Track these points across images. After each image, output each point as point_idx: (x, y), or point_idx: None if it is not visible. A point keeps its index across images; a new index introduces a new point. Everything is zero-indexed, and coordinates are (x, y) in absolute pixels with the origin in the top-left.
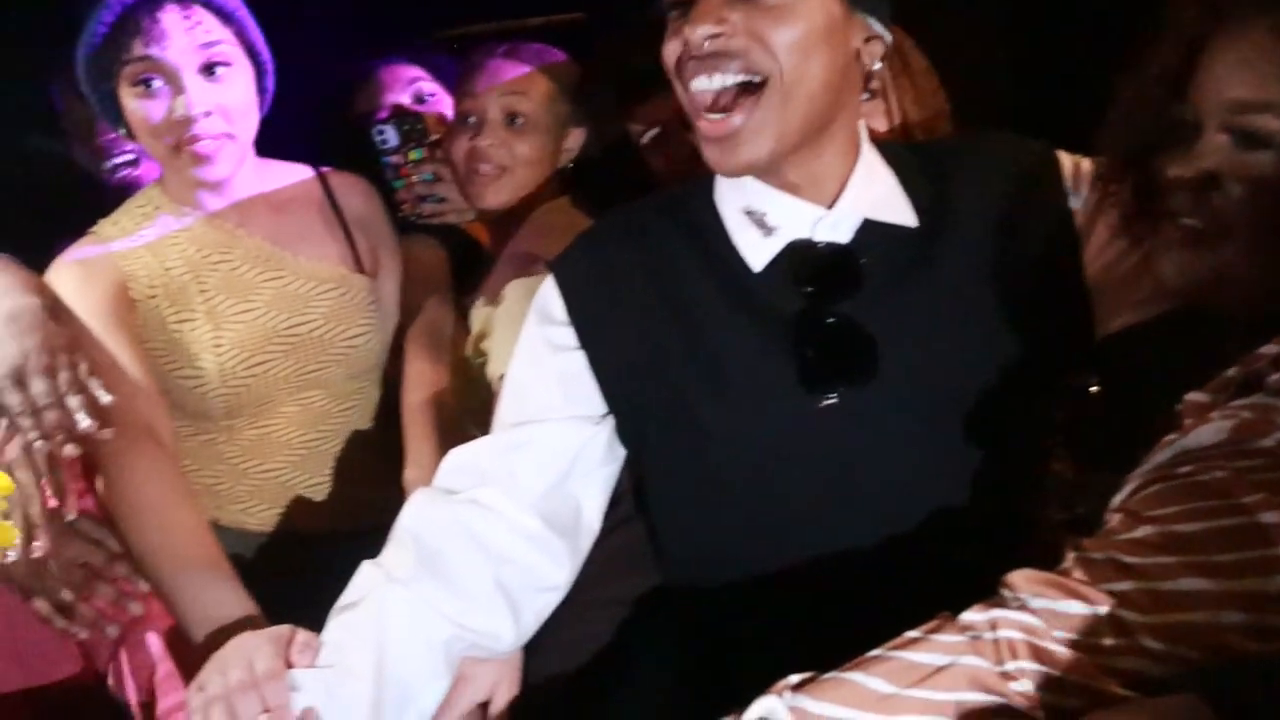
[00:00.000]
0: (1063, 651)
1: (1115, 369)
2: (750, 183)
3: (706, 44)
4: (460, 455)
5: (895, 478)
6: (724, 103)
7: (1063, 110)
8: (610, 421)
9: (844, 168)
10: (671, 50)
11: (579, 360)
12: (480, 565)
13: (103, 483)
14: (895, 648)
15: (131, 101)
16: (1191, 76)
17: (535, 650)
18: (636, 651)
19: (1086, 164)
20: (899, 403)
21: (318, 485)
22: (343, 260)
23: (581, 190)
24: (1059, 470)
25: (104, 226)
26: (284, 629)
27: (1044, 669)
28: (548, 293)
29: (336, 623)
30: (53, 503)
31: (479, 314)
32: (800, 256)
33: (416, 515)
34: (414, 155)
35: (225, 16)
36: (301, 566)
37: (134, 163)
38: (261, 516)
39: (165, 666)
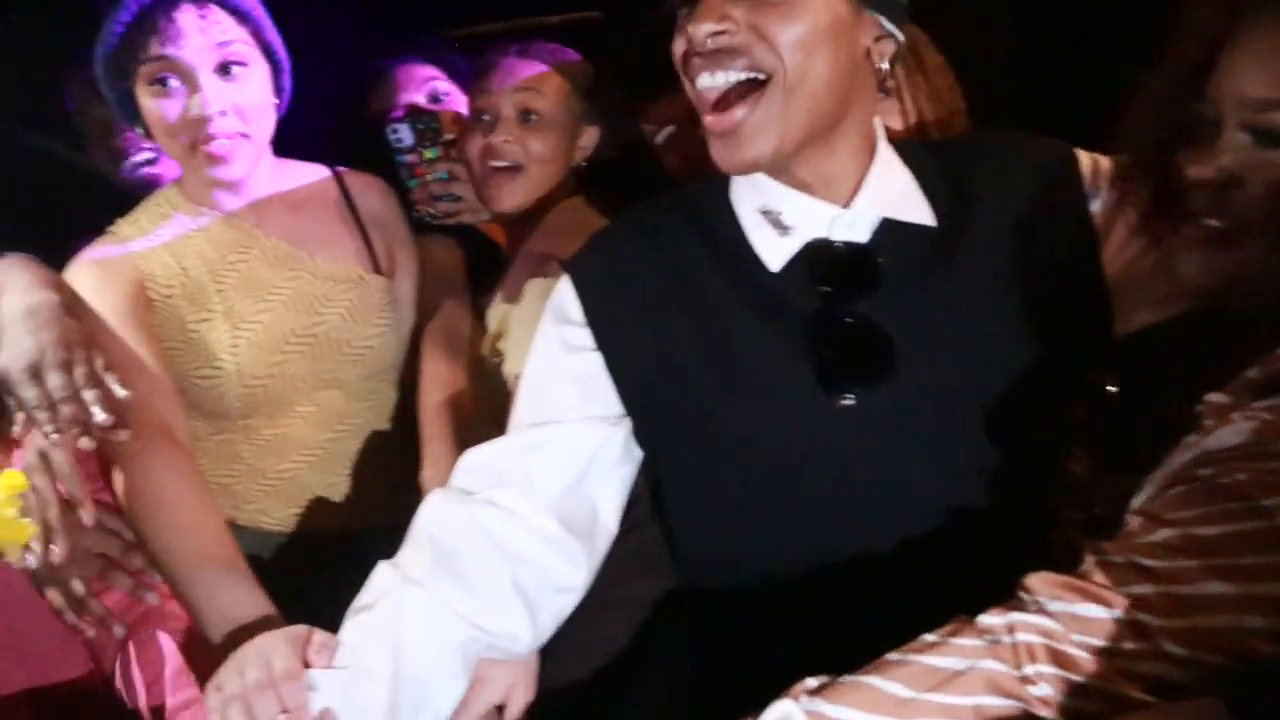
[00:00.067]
0: (1082, 656)
1: (1133, 369)
2: (766, 182)
3: (709, 41)
4: (477, 456)
5: (912, 478)
6: (729, 99)
7: (1080, 108)
8: (627, 422)
9: (859, 167)
10: (678, 47)
11: (595, 361)
12: (497, 566)
13: (120, 482)
14: (912, 651)
15: (148, 100)
16: (1211, 74)
17: (551, 652)
18: (652, 654)
19: (1105, 162)
20: (916, 403)
21: (334, 485)
22: (359, 260)
23: (596, 190)
24: (1076, 470)
25: (122, 226)
26: (301, 629)
27: (1063, 673)
28: (563, 293)
29: (353, 623)
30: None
31: (495, 314)
32: (817, 256)
33: (433, 516)
34: (429, 154)
35: (241, 16)
36: (318, 566)
37: (153, 161)
38: (278, 516)
39: (174, 664)
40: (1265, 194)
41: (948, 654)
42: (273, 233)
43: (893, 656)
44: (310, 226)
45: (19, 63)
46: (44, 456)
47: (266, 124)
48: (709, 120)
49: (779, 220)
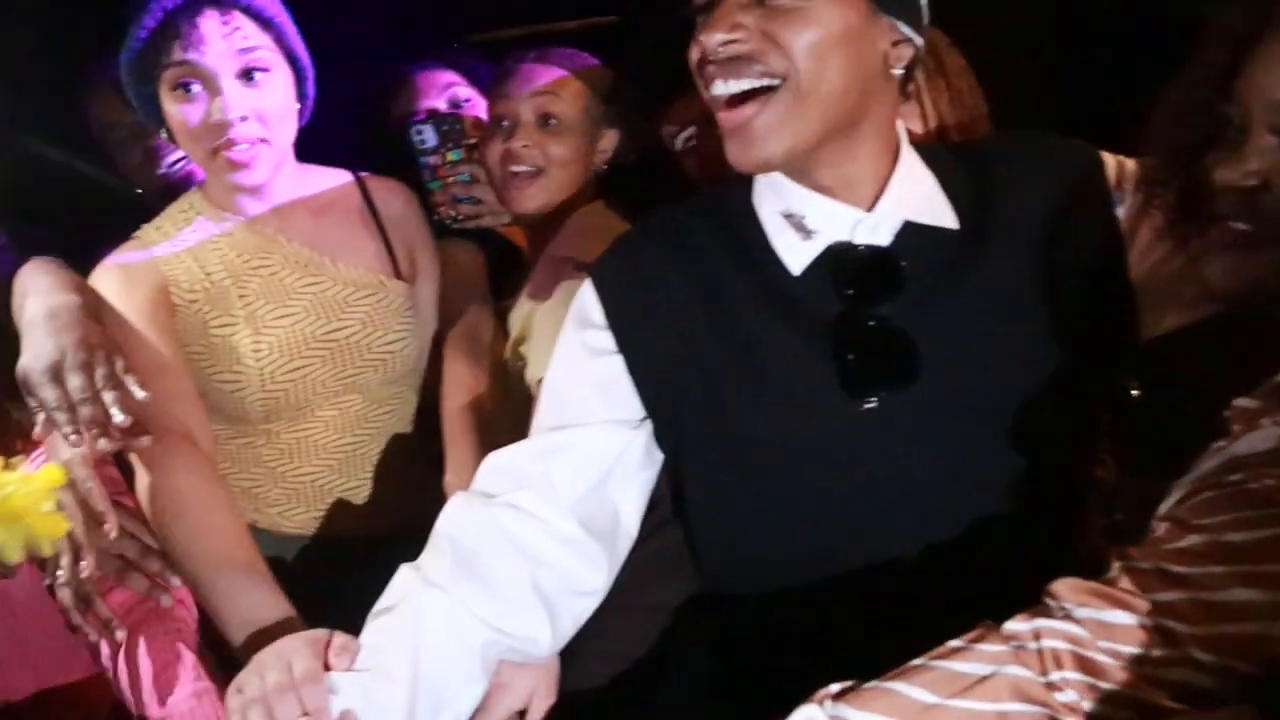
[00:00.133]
0: (1109, 662)
1: (1159, 373)
2: (788, 185)
3: (722, 49)
4: (498, 459)
5: (936, 482)
6: (742, 98)
7: (1105, 111)
8: (648, 425)
9: (881, 170)
10: (693, 55)
11: (617, 364)
12: (517, 568)
13: (141, 485)
14: (937, 657)
15: (171, 105)
16: (1238, 78)
17: (572, 657)
18: (673, 659)
19: (1131, 165)
20: (940, 406)
21: (355, 489)
22: (380, 265)
23: (617, 194)
24: (1100, 475)
25: (147, 231)
26: (321, 632)
27: (1089, 680)
28: (586, 297)
29: (374, 626)
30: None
31: (517, 318)
32: (840, 259)
33: (454, 519)
34: (452, 156)
35: (264, 22)
36: (339, 569)
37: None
38: (299, 519)
39: (184, 660)
40: None
41: (972, 659)
42: (295, 238)
43: (917, 662)
44: (332, 231)
45: (43, 70)
46: (74, 487)
47: (288, 130)
48: (722, 117)
49: (802, 224)
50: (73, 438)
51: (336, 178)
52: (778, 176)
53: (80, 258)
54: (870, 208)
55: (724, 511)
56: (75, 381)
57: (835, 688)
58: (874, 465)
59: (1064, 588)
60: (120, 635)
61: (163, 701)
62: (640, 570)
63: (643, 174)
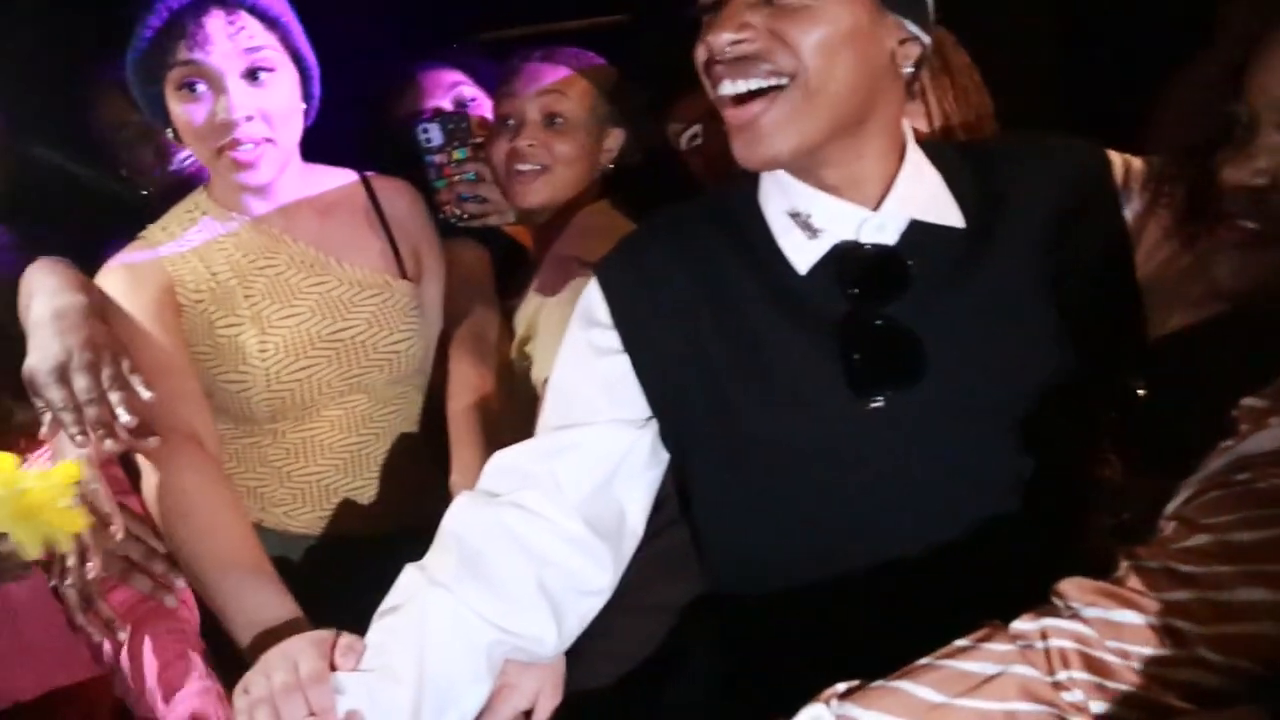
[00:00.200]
0: (1117, 662)
1: (1165, 372)
2: (794, 184)
3: (730, 49)
4: (504, 458)
5: (943, 481)
6: (750, 96)
7: (1109, 109)
8: (654, 425)
9: (888, 169)
10: (700, 55)
11: (623, 364)
12: (522, 568)
13: (147, 486)
14: (944, 656)
15: (176, 105)
16: (1247, 76)
17: (578, 657)
18: (680, 658)
19: (1138, 163)
20: (947, 405)
21: (361, 489)
22: (385, 265)
23: (623, 193)
24: (1106, 475)
25: (153, 231)
26: (327, 632)
27: (1097, 679)
28: (591, 296)
29: (379, 626)
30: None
31: (523, 317)
32: (846, 258)
33: (459, 518)
34: (457, 155)
35: (270, 22)
36: (344, 569)
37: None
38: (304, 519)
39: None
40: None
41: (980, 659)
42: (301, 238)
43: (924, 661)
44: (338, 231)
45: (48, 70)
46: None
47: (294, 130)
48: (729, 115)
49: (808, 223)
50: (79, 438)
51: (342, 177)
52: (784, 175)
53: (87, 258)
54: (876, 207)
55: (730, 511)
56: (81, 382)
57: (842, 687)
58: (880, 464)
59: (1071, 587)
60: (123, 635)
61: (168, 698)
62: (646, 570)
63: (648, 174)
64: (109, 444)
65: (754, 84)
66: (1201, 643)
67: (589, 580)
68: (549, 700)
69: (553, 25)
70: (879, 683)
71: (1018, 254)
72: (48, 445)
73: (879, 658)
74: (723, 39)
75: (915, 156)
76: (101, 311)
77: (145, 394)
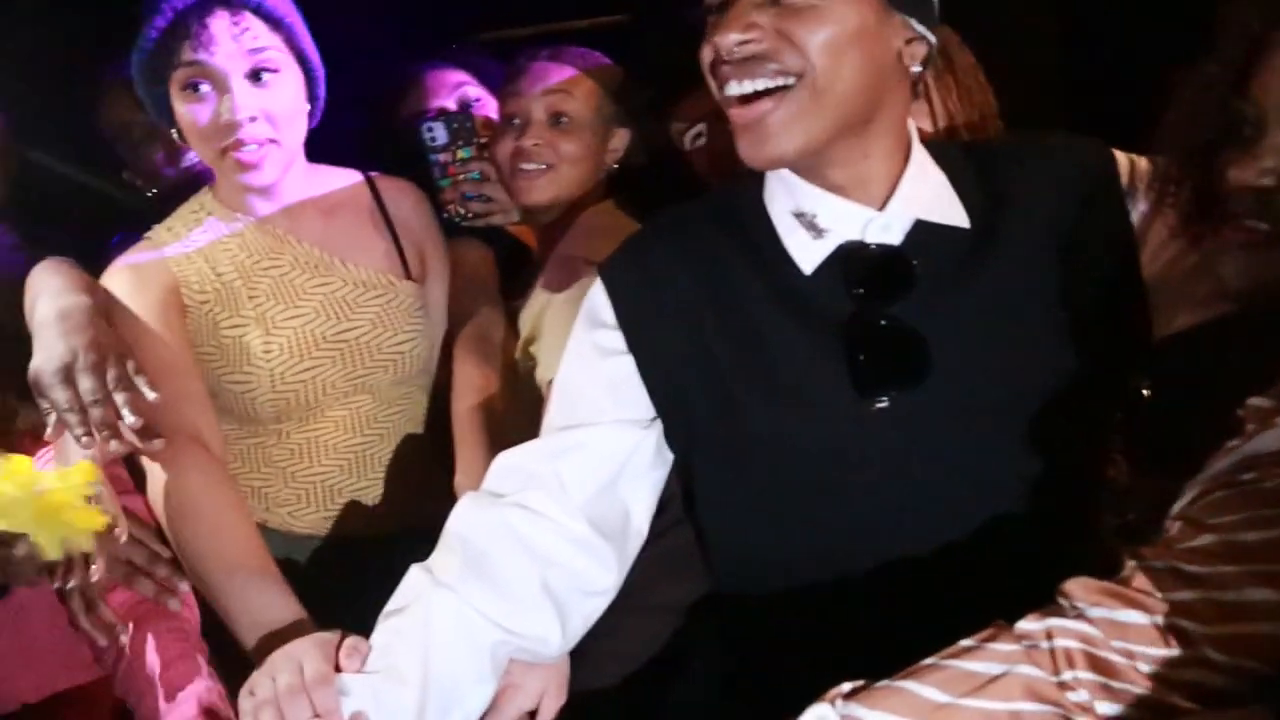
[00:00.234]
0: (1121, 662)
1: (1171, 372)
2: (799, 184)
3: (736, 50)
4: (509, 459)
5: (948, 482)
6: (756, 95)
7: (1113, 108)
8: (659, 425)
9: (893, 169)
10: (706, 55)
11: (628, 364)
12: (527, 568)
13: (152, 488)
14: (949, 656)
15: (180, 105)
16: (1253, 76)
17: (583, 658)
18: (684, 658)
19: (1143, 163)
20: (952, 406)
21: (365, 489)
22: (390, 266)
23: (627, 193)
24: (1112, 475)
25: (159, 231)
26: (332, 634)
27: (1102, 679)
28: (596, 296)
29: (384, 627)
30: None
31: (527, 318)
32: (851, 258)
33: (464, 519)
34: (462, 154)
35: (275, 23)
36: (349, 569)
37: None
38: (309, 519)
39: (196, 654)
40: None
41: (984, 659)
42: (305, 238)
43: (929, 661)
44: (342, 232)
45: (55, 71)
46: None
47: (298, 131)
48: (735, 114)
49: (813, 223)
50: (84, 440)
51: (347, 178)
52: (789, 175)
53: (92, 258)
54: (882, 206)
55: (734, 511)
56: (86, 383)
57: (847, 687)
58: (884, 465)
59: (1077, 587)
60: (124, 639)
61: (170, 697)
62: (650, 570)
63: (653, 174)
64: (113, 445)
65: (761, 84)
66: (1207, 643)
67: (593, 581)
68: (553, 700)
69: (555, 25)
70: (884, 682)
71: (1023, 254)
72: (52, 446)
73: (883, 657)
74: (730, 39)
75: (920, 156)
76: (106, 312)
77: (150, 395)
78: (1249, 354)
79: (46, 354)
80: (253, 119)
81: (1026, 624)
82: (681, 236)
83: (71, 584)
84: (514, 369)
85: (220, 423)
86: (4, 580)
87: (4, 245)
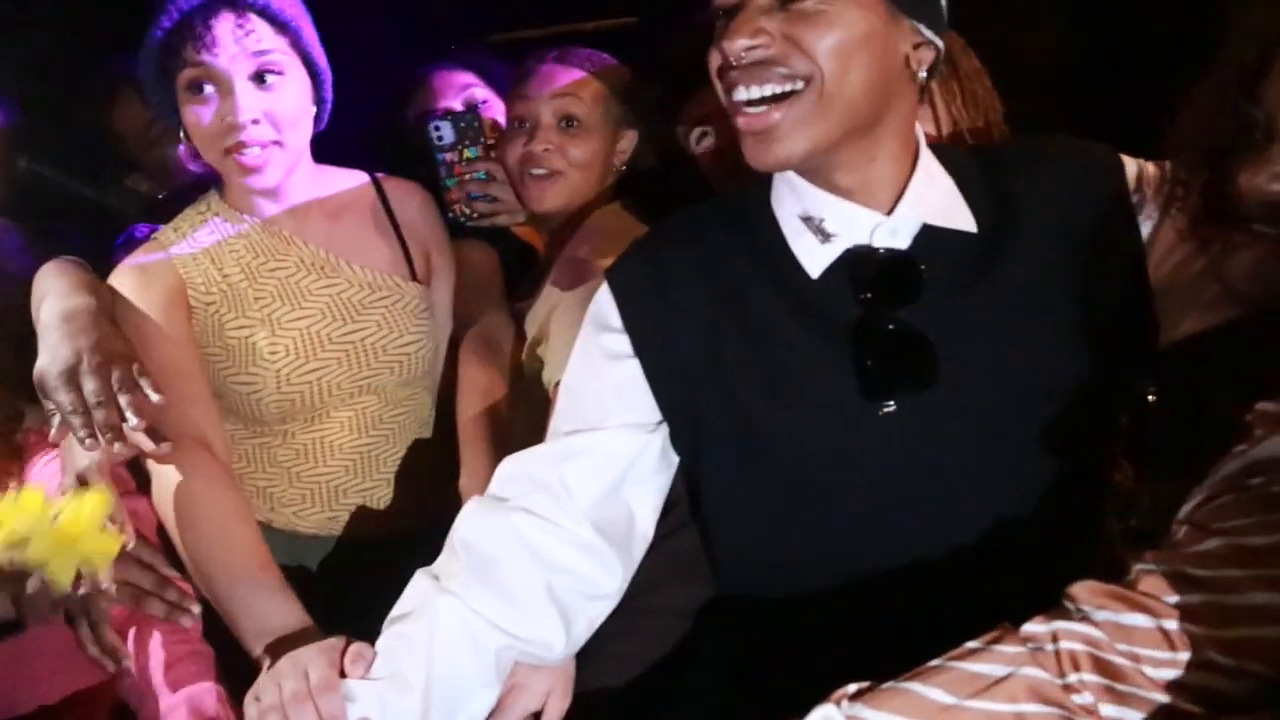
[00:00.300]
0: (1127, 665)
1: (1177, 376)
2: (807, 189)
3: (745, 55)
4: (514, 463)
5: (955, 486)
6: (763, 100)
7: (1120, 113)
8: (664, 429)
9: (900, 173)
10: (713, 60)
11: (634, 368)
12: (532, 573)
13: (156, 491)
14: (955, 658)
15: (185, 107)
16: (1263, 80)
17: (588, 659)
18: (690, 660)
19: (1151, 168)
20: (959, 410)
21: (370, 490)
22: (395, 268)
23: (635, 196)
24: (1118, 479)
25: (165, 232)
26: (337, 640)
27: (1106, 682)
28: (603, 300)
29: (389, 633)
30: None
31: (533, 320)
32: (859, 263)
33: (469, 524)
34: (469, 154)
35: (280, 25)
36: (354, 569)
37: None
38: (314, 520)
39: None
40: None
41: (990, 661)
42: (311, 240)
43: (934, 663)
44: (348, 233)
45: (62, 72)
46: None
47: (303, 133)
48: (742, 119)
49: (821, 227)
50: (88, 441)
51: (353, 179)
52: (796, 179)
53: (100, 256)
54: (889, 211)
55: (741, 514)
56: (91, 385)
57: (852, 688)
58: (892, 468)
59: (1082, 590)
60: (128, 664)
61: (173, 699)
62: (656, 572)
63: (660, 176)
64: (117, 447)
65: (769, 89)
66: (1212, 647)
67: (598, 585)
68: (559, 701)
69: (563, 27)
70: (889, 684)
71: (1030, 258)
72: (60, 449)
73: (889, 659)
74: (738, 44)
75: (928, 161)
76: (112, 313)
77: (155, 397)
78: (1256, 358)
79: (51, 355)
80: (255, 121)
81: (1032, 626)
82: (688, 240)
83: (79, 609)
84: (519, 370)
85: (226, 423)
86: (20, 617)
87: (11, 245)
